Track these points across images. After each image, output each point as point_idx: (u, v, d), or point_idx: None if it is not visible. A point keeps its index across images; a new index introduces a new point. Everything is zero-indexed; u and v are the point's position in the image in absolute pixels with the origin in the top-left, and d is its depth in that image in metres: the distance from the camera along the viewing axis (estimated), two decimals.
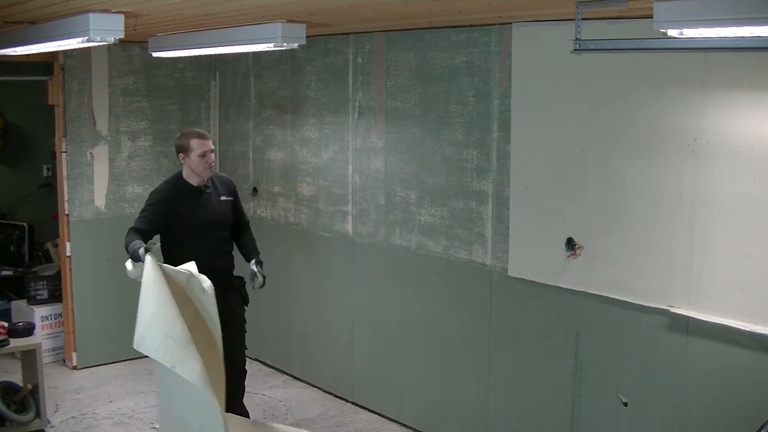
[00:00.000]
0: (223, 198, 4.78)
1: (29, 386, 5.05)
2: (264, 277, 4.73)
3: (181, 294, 3.99)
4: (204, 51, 5.02)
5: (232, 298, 4.71)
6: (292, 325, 6.05)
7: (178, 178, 4.69)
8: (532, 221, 4.32)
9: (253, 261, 4.77)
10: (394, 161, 5.10)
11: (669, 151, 3.68)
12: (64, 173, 6.11)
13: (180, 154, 4.63)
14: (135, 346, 3.88)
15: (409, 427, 5.19)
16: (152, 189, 4.89)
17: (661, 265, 3.75)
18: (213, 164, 4.67)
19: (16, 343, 5.02)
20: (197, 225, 4.62)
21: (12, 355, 5.64)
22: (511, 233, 4.43)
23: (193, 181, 4.65)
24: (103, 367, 6.30)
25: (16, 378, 5.26)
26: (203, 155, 4.56)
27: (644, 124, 3.77)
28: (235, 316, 4.73)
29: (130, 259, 4.25)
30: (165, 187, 4.70)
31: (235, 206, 4.89)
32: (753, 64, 3.37)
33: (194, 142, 4.57)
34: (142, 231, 4.46)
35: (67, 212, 6.14)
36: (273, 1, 3.35)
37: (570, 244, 4.11)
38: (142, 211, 4.63)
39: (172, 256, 4.46)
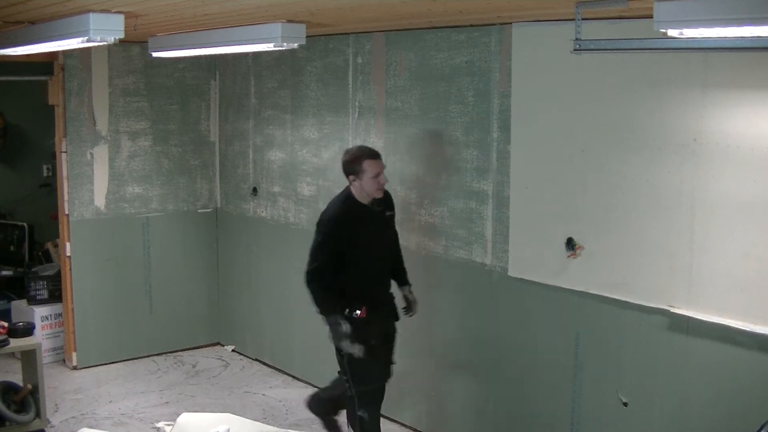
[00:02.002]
0: (387, 213, 4.53)
1: (29, 386, 5.04)
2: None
3: None
4: (204, 51, 5.02)
5: (392, 318, 4.61)
6: (292, 326, 6.05)
7: (348, 197, 4.37)
8: (532, 221, 4.32)
9: (408, 288, 4.62)
10: (394, 161, 5.10)
11: (669, 151, 3.68)
12: (64, 173, 6.11)
13: (350, 176, 4.31)
14: None
15: (409, 427, 5.19)
16: (322, 213, 4.44)
17: (661, 265, 3.75)
18: (385, 184, 4.35)
19: (16, 343, 5.02)
20: (371, 248, 4.39)
21: (12, 355, 5.64)
22: (511, 233, 4.43)
23: (364, 199, 4.35)
24: (103, 367, 6.30)
25: (16, 378, 5.26)
26: (376, 176, 4.28)
27: (644, 124, 3.77)
28: (392, 338, 4.65)
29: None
30: (339, 211, 4.35)
31: (394, 221, 4.63)
32: (753, 64, 3.37)
33: (366, 164, 4.26)
34: (328, 266, 4.26)
35: (67, 212, 6.14)
36: (273, 1, 3.35)
37: (570, 244, 4.11)
38: (321, 243, 4.31)
39: (342, 285, 4.30)
